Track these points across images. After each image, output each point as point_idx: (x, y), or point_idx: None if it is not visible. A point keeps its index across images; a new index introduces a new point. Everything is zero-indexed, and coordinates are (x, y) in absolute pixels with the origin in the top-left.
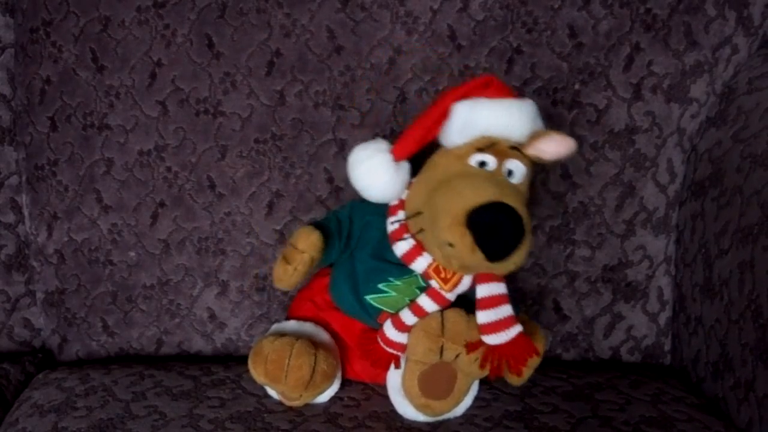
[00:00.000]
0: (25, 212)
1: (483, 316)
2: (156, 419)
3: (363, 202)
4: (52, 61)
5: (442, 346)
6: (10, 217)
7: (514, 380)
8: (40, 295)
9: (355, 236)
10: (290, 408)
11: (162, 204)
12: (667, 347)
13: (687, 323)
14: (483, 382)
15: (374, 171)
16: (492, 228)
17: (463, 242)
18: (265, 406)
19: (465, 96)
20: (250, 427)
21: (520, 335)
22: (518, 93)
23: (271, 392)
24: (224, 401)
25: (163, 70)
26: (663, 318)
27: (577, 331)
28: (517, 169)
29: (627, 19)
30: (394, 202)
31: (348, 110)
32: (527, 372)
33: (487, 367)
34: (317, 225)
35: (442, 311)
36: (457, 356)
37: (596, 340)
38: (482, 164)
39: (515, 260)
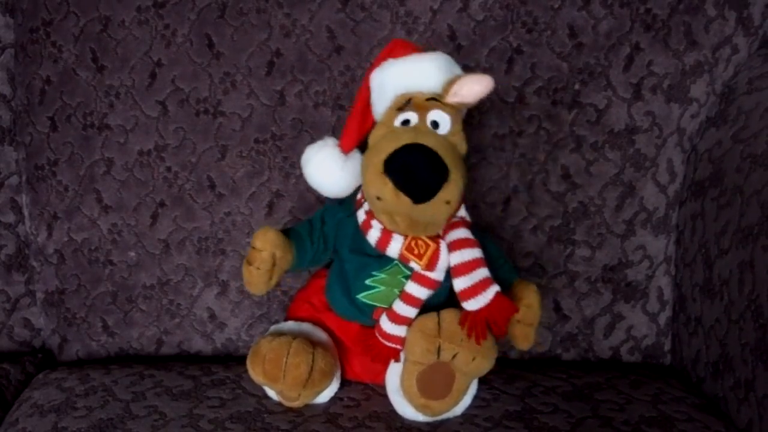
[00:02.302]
0: (25, 212)
1: (459, 283)
2: (156, 419)
3: (335, 204)
4: (52, 61)
5: (439, 347)
6: (10, 217)
7: (522, 344)
8: (40, 295)
9: (331, 235)
10: (290, 408)
11: (162, 204)
12: (667, 347)
13: (687, 323)
14: (482, 382)
15: (323, 165)
16: (407, 168)
17: (387, 189)
18: (265, 407)
19: (378, 65)
20: (250, 427)
21: (497, 296)
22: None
23: (271, 393)
24: (224, 401)
25: (163, 70)
26: (663, 318)
27: (577, 331)
28: (442, 119)
29: (627, 19)
30: (359, 196)
31: (348, 110)
32: (529, 331)
33: (485, 361)
34: (287, 229)
35: (438, 312)
36: (455, 356)
37: (596, 340)
38: (406, 123)
39: (444, 197)
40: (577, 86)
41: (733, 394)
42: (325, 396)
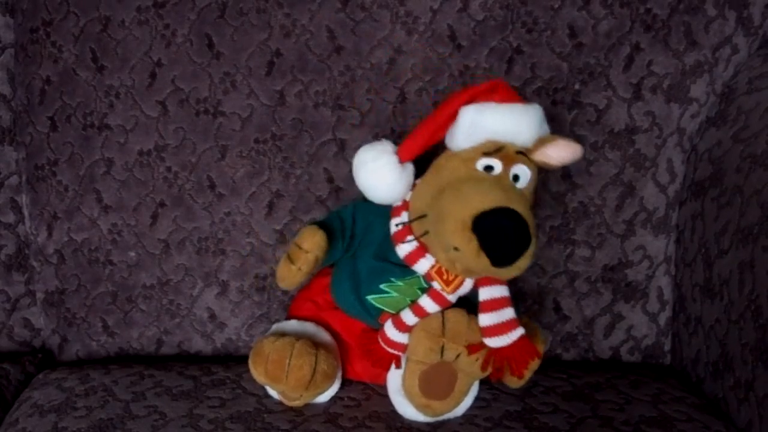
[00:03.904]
0: (25, 212)
1: (486, 319)
2: (156, 419)
3: (366, 202)
4: (52, 61)
5: (442, 346)
6: (10, 217)
7: (514, 382)
8: (40, 295)
9: (358, 236)
10: (290, 408)
11: (162, 204)
12: (667, 347)
13: (687, 323)
14: (483, 383)
15: (380, 172)
16: (498, 233)
17: (469, 247)
18: (265, 406)
19: (472, 99)
20: (250, 427)
21: (522, 338)
22: (523, 97)
23: (272, 392)
24: (224, 401)
25: (163, 70)
26: (663, 318)
27: (577, 331)
28: (523, 174)
29: (627, 19)
30: (398, 204)
31: (348, 110)
32: (527, 374)
33: (488, 369)
34: (321, 224)
35: (443, 311)
36: (458, 356)
37: (596, 340)
38: (488, 168)
39: (520, 265)
40: (577, 86)
41: (733, 394)
42: (325, 396)
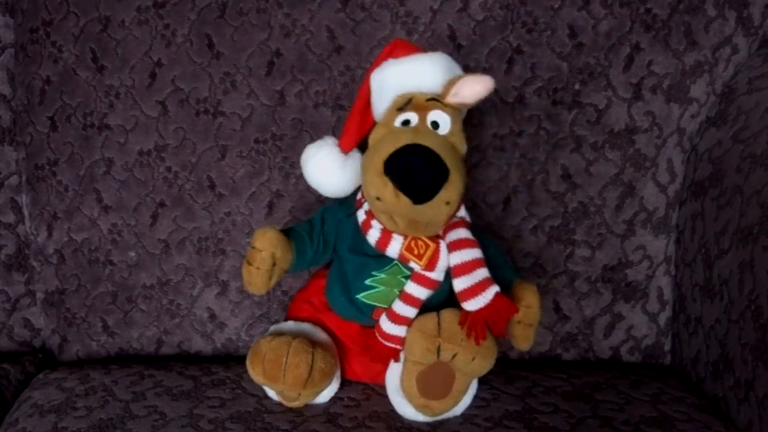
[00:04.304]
0: (25, 212)
1: (459, 283)
2: (156, 419)
3: (335, 204)
4: (52, 61)
5: (439, 347)
6: (10, 217)
7: (521, 344)
8: (40, 295)
9: (331, 234)
10: (290, 408)
11: (162, 204)
12: (667, 347)
13: (687, 323)
14: (482, 382)
15: (322, 164)
16: (408, 169)
17: (387, 191)
18: (265, 407)
19: (378, 66)
20: (250, 427)
21: (497, 296)
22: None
23: (271, 393)
24: (224, 401)
25: (163, 70)
26: (663, 318)
27: (577, 331)
28: (442, 119)
29: (627, 19)
30: (359, 196)
31: (348, 110)
32: (529, 331)
33: (484, 362)
34: (288, 230)
35: (438, 312)
36: (455, 356)
37: (596, 340)
38: (406, 123)
39: (444, 198)
40: (577, 86)
41: (733, 394)
42: (325, 396)
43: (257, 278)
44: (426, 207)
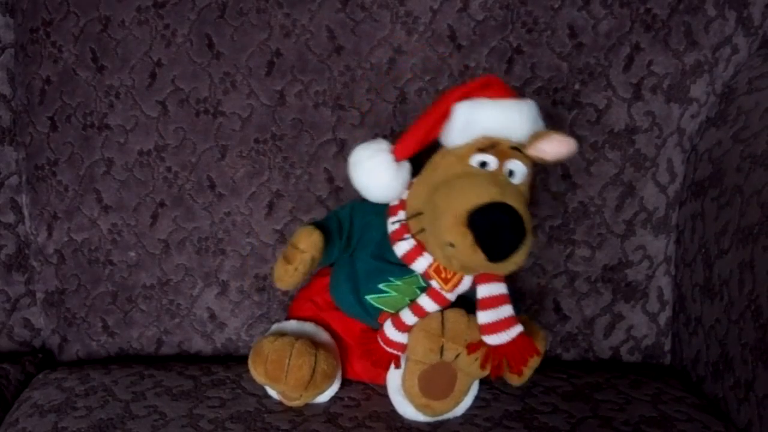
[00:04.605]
0: (25, 212)
1: (484, 317)
2: (156, 419)
3: (363, 202)
4: (52, 61)
5: (442, 346)
6: (10, 217)
7: (514, 380)
8: (40, 295)
9: (356, 236)
10: (290, 408)
11: (162, 204)
12: (667, 347)
13: (687, 323)
14: (483, 382)
15: (375, 171)
16: (493, 228)
17: (465, 242)
18: (265, 406)
19: (466, 96)
20: (250, 427)
21: (520, 336)
22: (518, 93)
23: (271, 392)
24: (224, 401)
25: (163, 70)
26: (663, 318)
27: (577, 331)
28: (518, 169)
29: (627, 19)
30: (395, 202)
31: (348, 110)
32: (527, 372)
33: (487, 368)
34: (318, 224)
35: (442, 311)
36: (458, 356)
37: (596, 340)
38: (483, 164)
39: (516, 260)
40: (577, 86)
41: (733, 394)
42: (325, 396)
43: (294, 278)
44: (497, 265)
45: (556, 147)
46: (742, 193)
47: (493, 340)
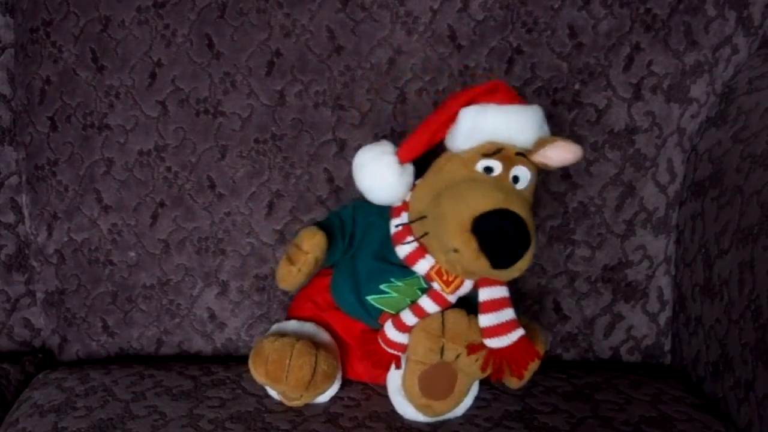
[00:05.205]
0: (25, 212)
1: (485, 320)
2: (156, 419)
3: (366, 202)
4: (52, 61)
5: (442, 347)
6: (10, 217)
7: (513, 383)
8: (40, 295)
9: (358, 237)
10: (290, 408)
11: (162, 204)
12: (667, 347)
13: (687, 323)
14: (483, 383)
15: (380, 173)
16: (497, 235)
17: (469, 248)
18: (265, 406)
19: (472, 101)
20: (250, 427)
21: (522, 339)
22: (524, 98)
23: (272, 392)
24: (224, 401)
25: (163, 70)
26: (663, 318)
27: (577, 331)
28: (523, 175)
29: (627, 19)
30: (398, 204)
31: (348, 110)
32: (527, 375)
33: (488, 370)
34: (321, 225)
35: (442, 311)
36: (458, 356)
37: (596, 340)
38: (488, 170)
39: (519, 267)
40: (577, 86)
41: (733, 394)
42: (325, 396)
43: (296, 278)
44: (500, 272)
45: (561, 153)
46: (742, 193)
47: (494, 343)
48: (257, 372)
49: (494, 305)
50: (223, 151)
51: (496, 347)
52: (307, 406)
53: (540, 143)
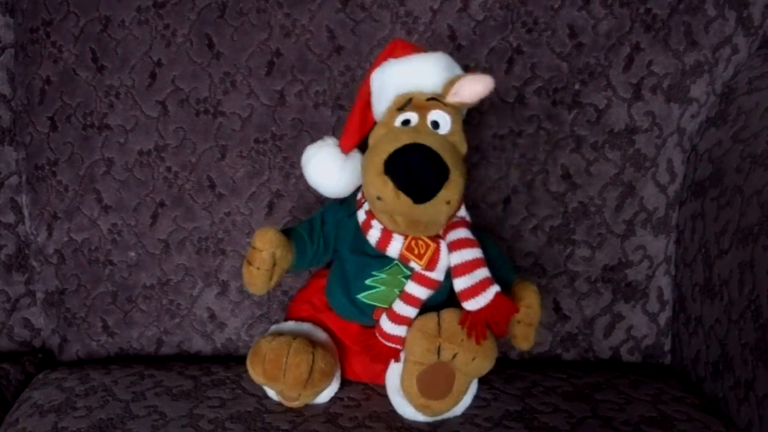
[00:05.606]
0: (25, 212)
1: (459, 283)
2: (156, 419)
3: (336, 203)
4: (52, 61)
5: (439, 347)
6: (10, 217)
7: (523, 345)
8: (40, 295)
9: (332, 235)
10: (290, 408)
11: (162, 204)
12: (667, 347)
13: (687, 323)
14: (482, 382)
15: (322, 164)
16: (408, 168)
17: (387, 190)
18: (265, 407)
19: (378, 65)
20: (250, 427)
21: (497, 296)
22: (428, 49)
23: (271, 393)
24: (224, 401)
25: (163, 70)
26: (663, 318)
27: (577, 331)
28: (442, 119)
29: (627, 19)
30: (359, 196)
31: (348, 110)
32: (529, 331)
33: (486, 363)
34: (289, 230)
35: (438, 312)
36: (455, 356)
37: (596, 340)
38: (406, 123)
39: (445, 197)
40: (577, 86)
41: (733, 394)
42: (325, 396)
43: (258, 278)
44: (426, 206)
45: (471, 87)
46: (742, 193)
47: (471, 305)
48: (255, 371)
49: (466, 267)
50: (223, 151)
51: (474, 309)
52: (307, 406)
53: (449, 84)
